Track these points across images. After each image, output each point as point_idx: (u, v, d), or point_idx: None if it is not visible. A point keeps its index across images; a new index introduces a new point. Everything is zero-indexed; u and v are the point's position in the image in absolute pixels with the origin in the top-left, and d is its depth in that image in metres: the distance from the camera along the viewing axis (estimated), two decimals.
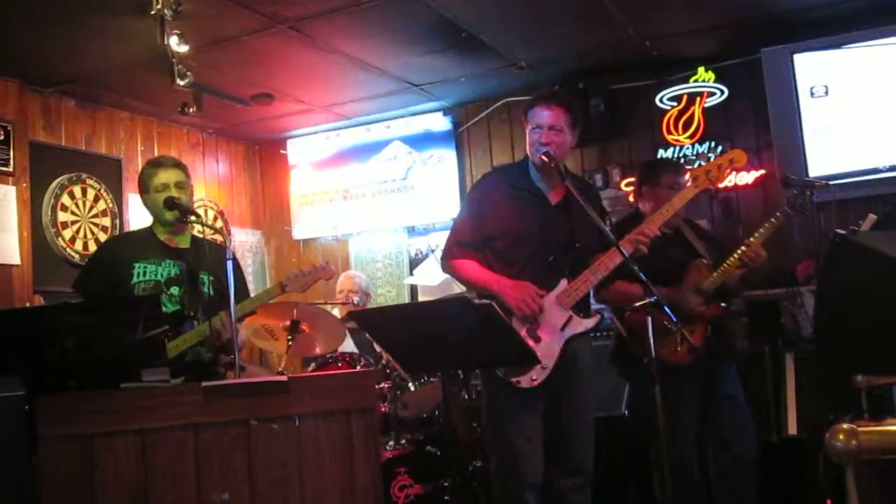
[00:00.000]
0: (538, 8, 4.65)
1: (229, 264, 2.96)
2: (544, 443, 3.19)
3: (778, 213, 3.58)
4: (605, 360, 3.83)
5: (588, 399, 3.29)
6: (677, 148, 5.57)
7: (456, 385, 4.42)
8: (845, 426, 1.88)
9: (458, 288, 4.57)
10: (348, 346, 4.74)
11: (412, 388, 4.33)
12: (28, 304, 4.96)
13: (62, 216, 5.35)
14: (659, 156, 5.57)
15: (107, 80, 5.24)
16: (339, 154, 6.67)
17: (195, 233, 3.53)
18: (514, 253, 3.23)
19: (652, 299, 2.91)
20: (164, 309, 3.19)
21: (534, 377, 3.08)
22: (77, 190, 5.46)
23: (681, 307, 3.38)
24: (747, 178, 5.39)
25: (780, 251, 4.74)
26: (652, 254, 3.15)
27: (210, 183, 6.57)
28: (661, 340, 3.25)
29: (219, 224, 6.37)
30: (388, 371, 4.37)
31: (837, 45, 5.05)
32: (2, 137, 5.00)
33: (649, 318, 3.01)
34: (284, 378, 2.60)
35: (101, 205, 5.61)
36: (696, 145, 5.52)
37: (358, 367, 4.37)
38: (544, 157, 3.16)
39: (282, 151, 6.87)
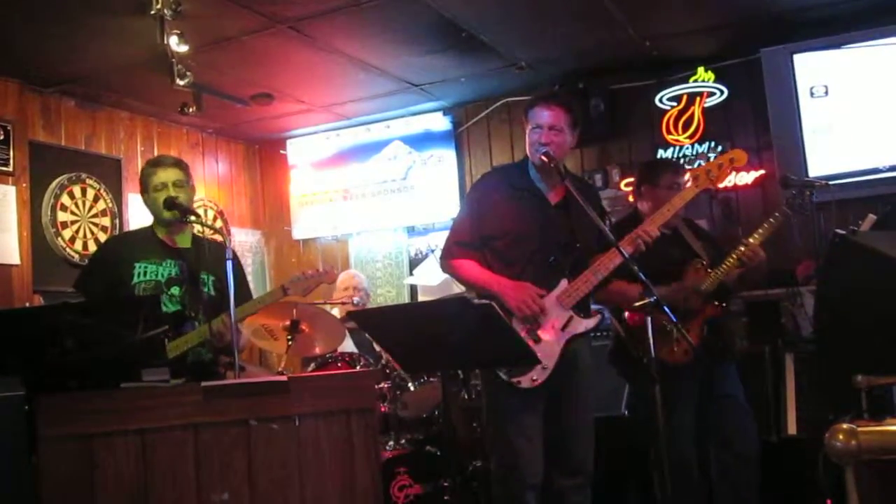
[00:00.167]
0: (538, 8, 4.65)
1: (229, 264, 2.95)
2: (544, 443, 3.19)
3: (777, 213, 3.58)
4: (605, 360, 3.83)
5: (588, 399, 3.29)
6: (677, 148, 5.57)
7: (456, 385, 4.42)
8: (845, 426, 1.88)
9: (458, 288, 4.57)
10: (348, 346, 4.74)
11: (412, 388, 4.33)
12: (28, 304, 4.96)
13: (62, 216, 5.35)
14: (659, 156, 5.58)
15: (107, 79, 5.24)
16: (338, 154, 6.67)
17: (196, 232, 3.52)
18: (513, 253, 3.23)
19: (651, 299, 2.91)
20: (164, 309, 3.19)
21: (534, 377, 3.08)
22: (77, 190, 5.46)
23: (677, 304, 3.37)
24: (747, 178, 5.39)
25: (780, 251, 4.74)
26: (650, 254, 3.15)
27: (210, 183, 6.57)
28: (659, 340, 3.25)
29: (218, 224, 6.37)
30: (387, 371, 4.37)
31: (837, 46, 5.05)
32: (2, 137, 5.00)
33: (649, 319, 3.01)
34: (284, 378, 2.60)
35: (101, 205, 5.61)
36: (696, 145, 5.52)
37: (358, 367, 4.37)
38: (544, 158, 3.16)
39: (281, 151, 6.87)
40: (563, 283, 3.17)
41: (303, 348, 4.41)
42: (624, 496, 4.38)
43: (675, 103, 5.55)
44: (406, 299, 6.36)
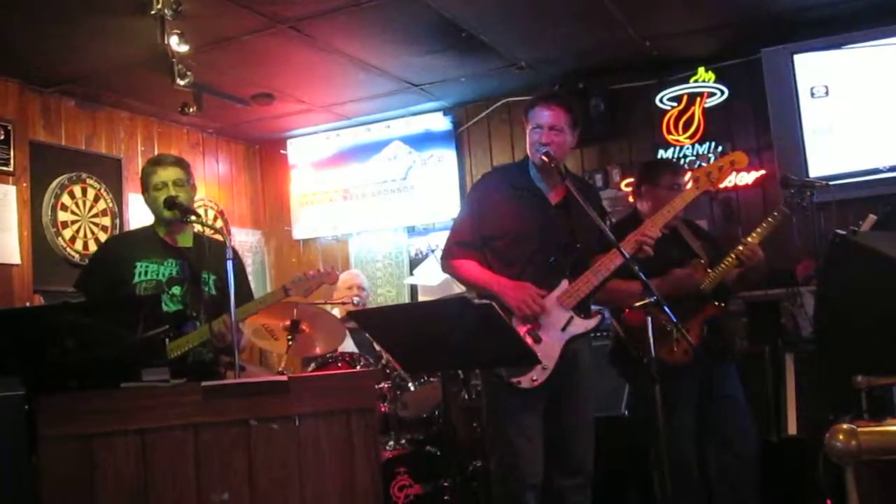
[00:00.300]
0: (538, 8, 4.65)
1: (229, 264, 2.94)
2: (544, 443, 3.19)
3: (775, 213, 3.58)
4: (605, 360, 3.83)
5: (588, 399, 3.29)
6: (677, 148, 5.57)
7: (456, 385, 4.41)
8: (845, 426, 1.88)
9: (459, 288, 4.57)
10: (348, 345, 4.74)
11: (412, 388, 4.33)
12: (28, 304, 4.96)
13: (62, 216, 5.36)
14: (659, 156, 5.58)
15: (107, 79, 5.24)
16: (339, 154, 6.67)
17: (196, 231, 3.51)
18: (514, 253, 3.23)
19: (652, 299, 2.91)
20: (165, 308, 3.19)
21: (534, 377, 3.08)
22: (77, 190, 5.46)
23: (675, 294, 3.35)
24: (747, 178, 5.39)
25: (780, 251, 4.74)
26: (650, 255, 3.15)
27: (210, 183, 6.57)
28: (659, 340, 3.25)
29: (219, 224, 6.36)
30: (387, 371, 4.37)
31: (837, 46, 5.05)
32: (2, 137, 5.00)
33: (649, 318, 3.01)
34: (284, 378, 2.60)
35: (101, 204, 5.62)
36: (697, 145, 5.52)
37: (358, 367, 4.37)
38: (544, 158, 3.16)
39: (282, 151, 6.87)
40: (564, 283, 3.16)
41: (303, 348, 4.41)
42: (624, 496, 4.38)
43: (675, 103, 5.54)
44: (406, 299, 6.35)
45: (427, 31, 4.83)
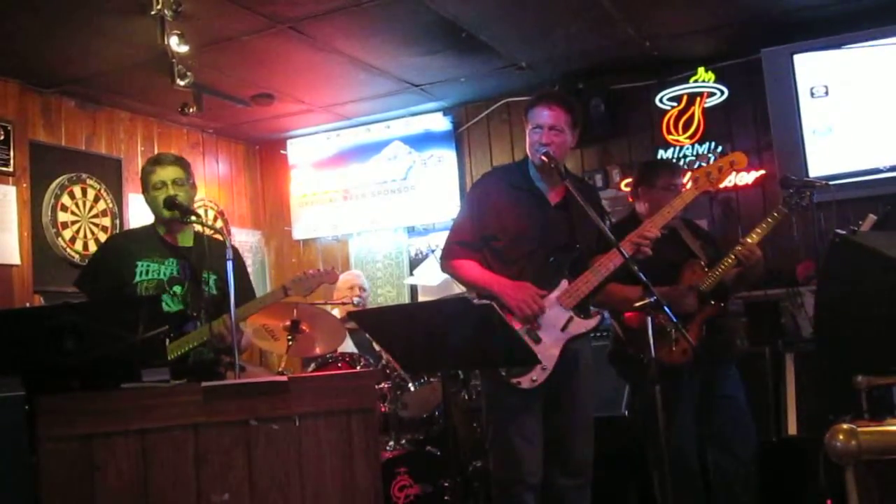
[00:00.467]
0: (538, 8, 4.65)
1: (229, 265, 2.94)
2: (544, 443, 3.19)
3: (774, 213, 3.58)
4: (605, 360, 3.83)
5: (588, 399, 3.29)
6: (677, 148, 5.57)
7: (456, 385, 4.42)
8: (845, 426, 1.88)
9: (459, 288, 4.57)
10: (348, 346, 4.74)
11: (412, 389, 4.33)
12: (28, 305, 4.96)
13: (62, 216, 5.36)
14: (659, 156, 5.58)
15: (107, 80, 5.24)
16: (339, 154, 6.67)
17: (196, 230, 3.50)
18: (513, 253, 3.22)
19: (652, 299, 2.91)
20: (166, 308, 3.19)
21: (534, 378, 3.08)
22: (77, 190, 5.46)
23: (675, 306, 3.37)
24: (747, 178, 5.38)
25: (781, 251, 4.75)
26: (649, 255, 3.15)
27: (210, 183, 6.57)
28: (658, 341, 3.25)
29: (219, 224, 6.37)
30: (388, 371, 4.37)
31: (837, 46, 5.05)
32: (2, 137, 5.00)
33: (649, 319, 3.01)
34: (284, 378, 2.60)
35: (101, 205, 5.62)
36: (696, 146, 5.52)
37: (358, 368, 4.37)
38: (544, 158, 3.16)
39: (282, 151, 6.87)
40: (564, 283, 3.16)
41: (303, 349, 4.41)
42: (624, 496, 4.38)
43: (675, 103, 5.54)
44: (406, 299, 6.36)
45: (427, 31, 4.84)
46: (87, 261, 4.97)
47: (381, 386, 4.34)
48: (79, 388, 2.44)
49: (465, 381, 4.41)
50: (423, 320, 2.79)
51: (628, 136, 5.82)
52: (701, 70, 5.42)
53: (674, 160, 5.50)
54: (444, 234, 3.51)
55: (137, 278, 3.24)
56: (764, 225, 3.57)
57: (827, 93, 5.14)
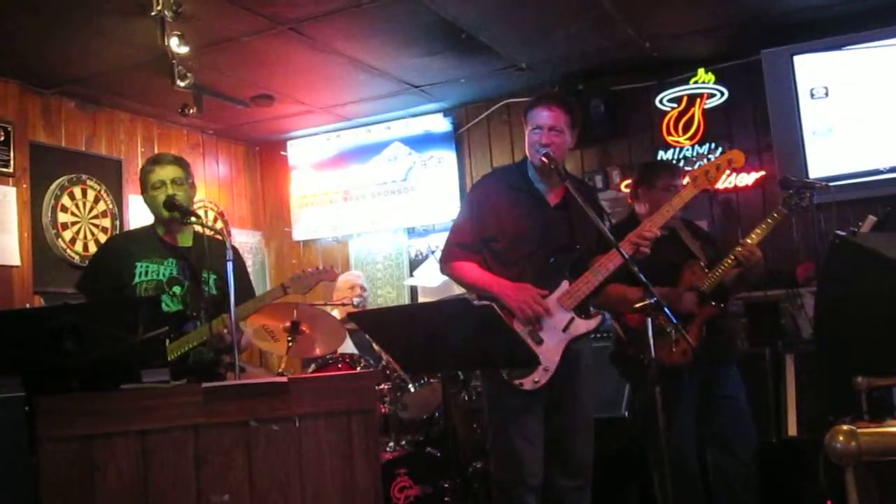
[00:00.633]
0: (538, 9, 4.65)
1: (229, 265, 2.94)
2: (544, 444, 3.19)
3: (774, 213, 3.59)
4: (606, 361, 3.83)
5: (589, 400, 3.29)
6: (677, 149, 5.57)
7: (456, 386, 4.42)
8: (845, 427, 1.88)
9: (459, 289, 4.57)
10: (348, 347, 4.74)
11: (412, 390, 4.33)
12: (28, 306, 4.96)
13: (62, 217, 5.36)
14: (659, 157, 5.58)
15: (107, 81, 5.24)
16: (339, 155, 6.67)
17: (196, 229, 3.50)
18: (513, 254, 3.22)
19: (652, 300, 2.91)
20: (166, 308, 3.18)
21: (536, 379, 3.08)
22: (77, 191, 5.46)
23: (675, 307, 3.37)
24: (747, 179, 5.39)
25: (781, 252, 4.75)
26: (647, 255, 3.15)
27: (210, 184, 6.57)
28: (658, 342, 3.25)
29: (219, 225, 6.37)
30: (388, 372, 4.37)
31: (837, 47, 5.05)
32: (2, 138, 5.00)
33: (649, 320, 3.01)
34: (284, 379, 2.60)
35: (102, 206, 5.62)
36: (696, 147, 5.52)
37: (358, 369, 4.37)
38: (544, 159, 3.16)
39: (282, 153, 6.87)
40: (564, 284, 3.16)
41: (303, 349, 4.41)
42: (624, 496, 4.38)
43: (675, 104, 5.55)
44: (406, 300, 6.36)
45: (427, 32, 4.84)
46: (87, 263, 4.97)
47: (381, 387, 4.33)
48: (78, 389, 2.44)
49: (466, 382, 4.41)
50: (423, 321, 2.79)
51: (628, 137, 5.82)
52: (701, 71, 5.42)
53: (674, 161, 5.50)
54: (444, 236, 3.50)
55: (137, 279, 3.24)
56: (764, 226, 3.57)
57: (827, 94, 5.14)
